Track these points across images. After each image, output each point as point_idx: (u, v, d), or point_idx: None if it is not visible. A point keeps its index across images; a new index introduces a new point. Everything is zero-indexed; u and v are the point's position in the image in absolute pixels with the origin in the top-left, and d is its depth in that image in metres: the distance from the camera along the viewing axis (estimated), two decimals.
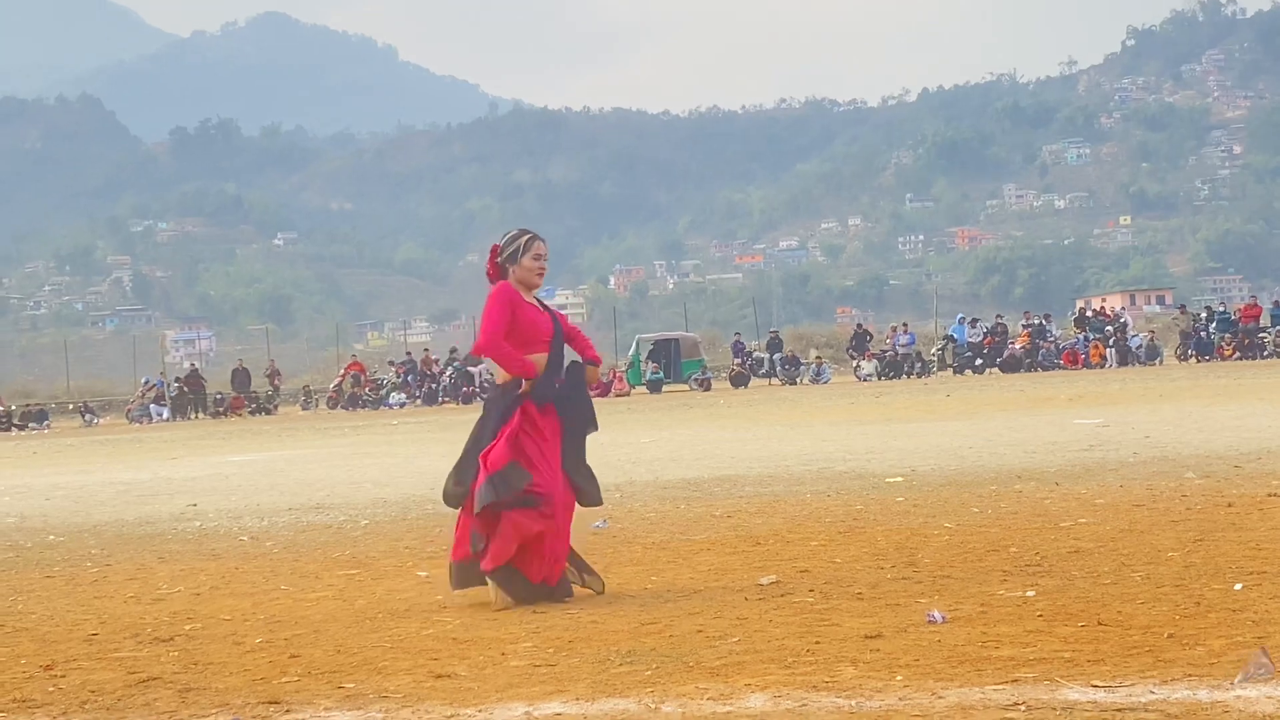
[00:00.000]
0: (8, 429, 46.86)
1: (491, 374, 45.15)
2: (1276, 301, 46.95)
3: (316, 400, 50.08)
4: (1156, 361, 43.80)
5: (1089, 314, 49.67)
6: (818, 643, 5.45)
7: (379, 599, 7.24)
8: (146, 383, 50.73)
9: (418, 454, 19.52)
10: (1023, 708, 4.34)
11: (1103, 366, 43.03)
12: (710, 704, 4.61)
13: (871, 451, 15.29)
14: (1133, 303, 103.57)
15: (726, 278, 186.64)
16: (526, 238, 7.08)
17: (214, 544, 10.26)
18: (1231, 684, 4.47)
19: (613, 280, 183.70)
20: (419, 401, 46.62)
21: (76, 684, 5.48)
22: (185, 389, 49.60)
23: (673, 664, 5.22)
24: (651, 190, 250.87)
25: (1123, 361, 43.48)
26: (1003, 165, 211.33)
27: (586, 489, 6.99)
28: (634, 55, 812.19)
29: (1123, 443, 14.36)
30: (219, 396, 49.81)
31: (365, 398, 46.94)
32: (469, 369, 47.12)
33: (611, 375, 44.24)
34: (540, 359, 6.93)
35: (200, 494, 14.67)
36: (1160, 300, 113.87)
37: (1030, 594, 6.26)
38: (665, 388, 45.05)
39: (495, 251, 7.07)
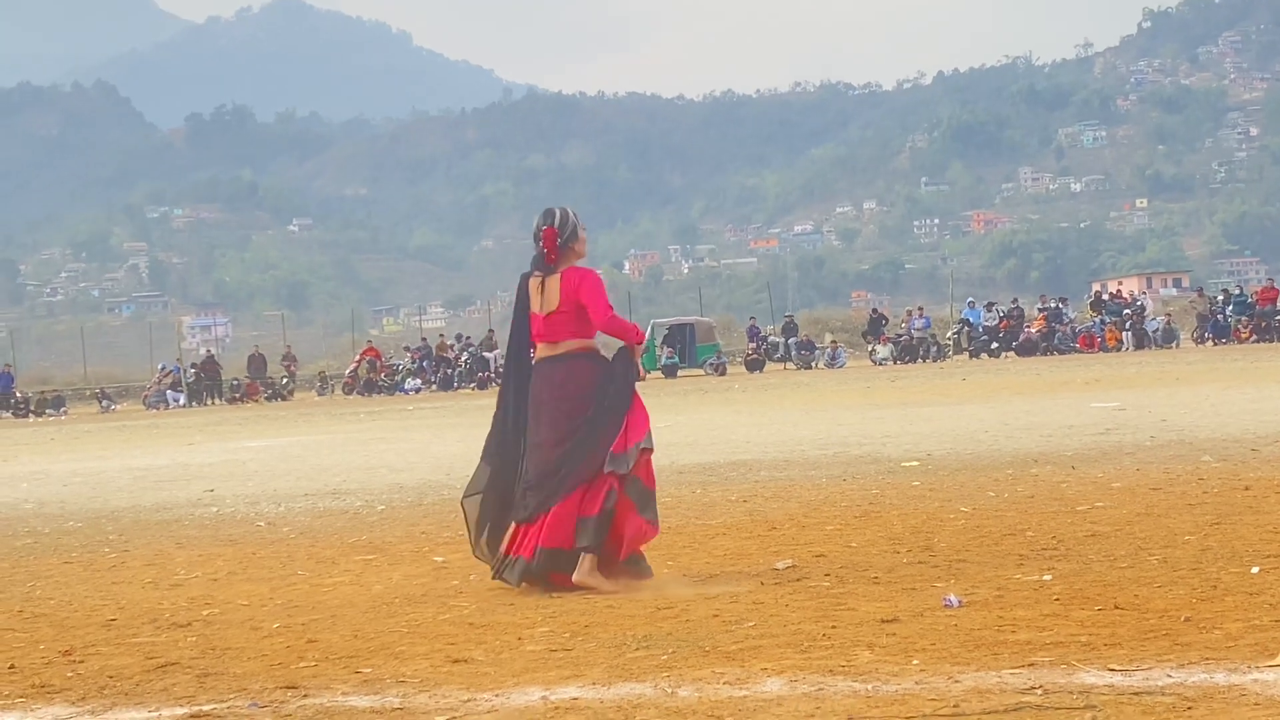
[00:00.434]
0: (25, 415, 46.96)
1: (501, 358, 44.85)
2: None
3: (332, 386, 50.12)
4: (1173, 344, 43.67)
5: (1105, 297, 49.53)
6: (834, 627, 5.45)
7: (395, 584, 7.26)
8: (163, 369, 50.80)
9: (433, 440, 19.55)
10: (1039, 691, 4.34)
11: (1119, 350, 42.93)
12: (726, 688, 4.61)
13: (887, 436, 15.28)
14: (1149, 286, 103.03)
15: (741, 262, 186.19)
16: (574, 214, 7.11)
17: (231, 529, 10.29)
18: (1249, 667, 4.46)
19: (627, 265, 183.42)
20: (434, 387, 46.66)
21: (95, 669, 5.50)
22: (202, 375, 49.68)
23: (689, 648, 5.22)
24: (666, 175, 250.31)
25: (1139, 345, 43.36)
26: (1018, 148, 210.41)
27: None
28: (648, 39, 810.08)
29: (1139, 426, 14.33)
30: (235, 382, 49.87)
31: (381, 383, 46.97)
32: (484, 354, 47.19)
33: None
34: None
35: (217, 480, 14.70)
36: (1177, 283, 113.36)
37: (1047, 578, 6.26)
38: (680, 372, 45.00)
39: (553, 234, 6.99)
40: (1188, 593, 5.75)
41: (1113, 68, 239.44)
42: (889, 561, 7.01)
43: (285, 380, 49.90)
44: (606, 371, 7.01)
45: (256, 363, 50.99)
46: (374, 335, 76.69)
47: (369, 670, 5.20)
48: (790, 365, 45.94)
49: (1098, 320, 45.54)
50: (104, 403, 50.11)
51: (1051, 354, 43.20)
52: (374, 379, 47.17)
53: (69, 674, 5.44)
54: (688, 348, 46.20)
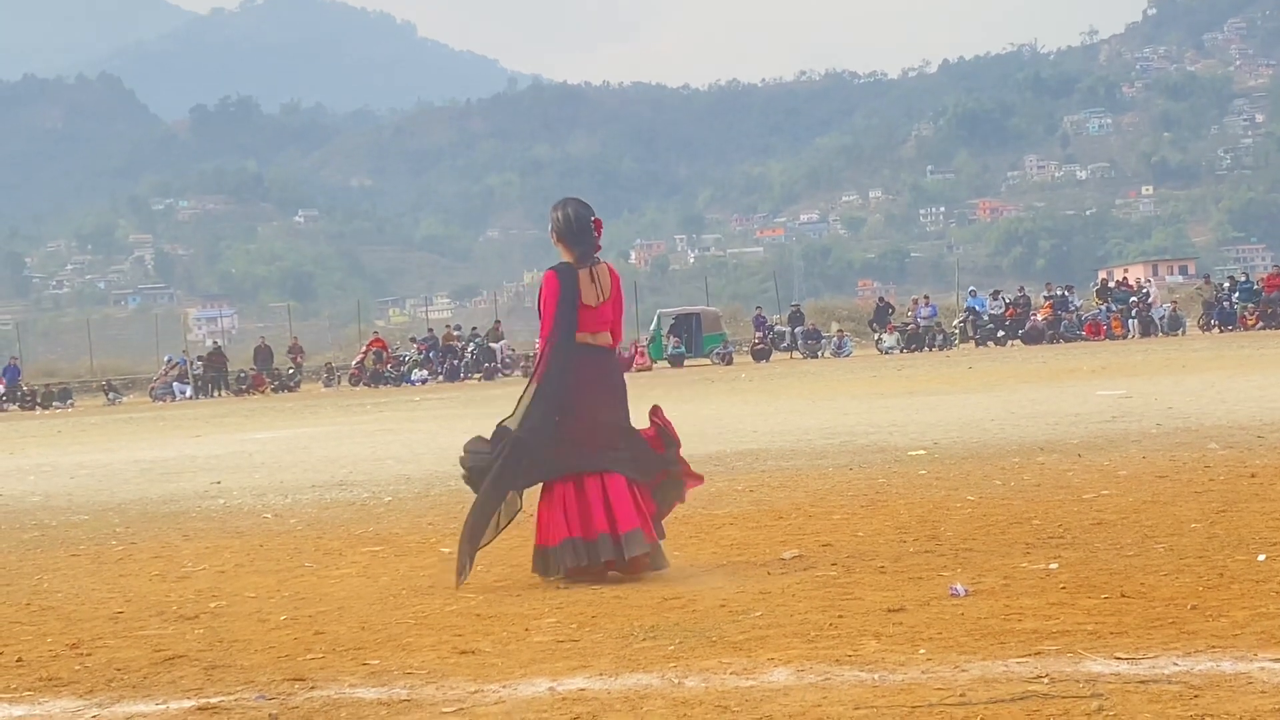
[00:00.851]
0: (32, 408, 47.05)
1: (513, 350, 45.10)
2: None
3: (339, 377, 50.15)
4: (1179, 332, 43.64)
5: (1111, 285, 49.49)
6: (840, 616, 5.46)
7: (403, 576, 7.26)
8: (169, 361, 50.84)
9: (440, 430, 19.54)
10: (1046, 680, 4.34)
11: (1125, 337, 42.90)
12: (733, 678, 4.62)
13: (894, 425, 15.27)
14: (1155, 273, 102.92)
15: (747, 252, 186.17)
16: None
17: (238, 522, 10.30)
18: (1255, 655, 4.46)
19: (633, 255, 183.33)
20: (441, 378, 46.69)
21: (103, 662, 5.51)
22: (208, 367, 49.72)
23: (696, 639, 5.23)
24: (672, 164, 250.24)
25: (1145, 332, 43.34)
26: (1024, 136, 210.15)
27: None
28: (653, 29, 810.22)
29: (1145, 414, 14.32)
30: (241, 374, 49.90)
31: (387, 374, 47.01)
32: (490, 345, 47.22)
33: (633, 350, 44.22)
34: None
35: (224, 472, 14.72)
36: (1183, 270, 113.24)
37: (1053, 566, 6.26)
38: (687, 362, 45.04)
39: (601, 225, 7.14)
40: (1194, 581, 5.75)
41: (1118, 55, 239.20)
42: (895, 551, 7.01)
43: (291, 372, 49.93)
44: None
45: (263, 354, 51.01)
46: (380, 326, 76.85)
47: (376, 662, 5.21)
48: (796, 354, 45.96)
49: (1104, 308, 45.50)
50: (110, 395, 50.15)
51: (1058, 342, 43.19)
52: (380, 370, 47.21)
53: (76, 667, 5.45)
54: (694, 337, 46.23)
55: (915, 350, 44.07)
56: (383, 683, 4.89)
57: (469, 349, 47.62)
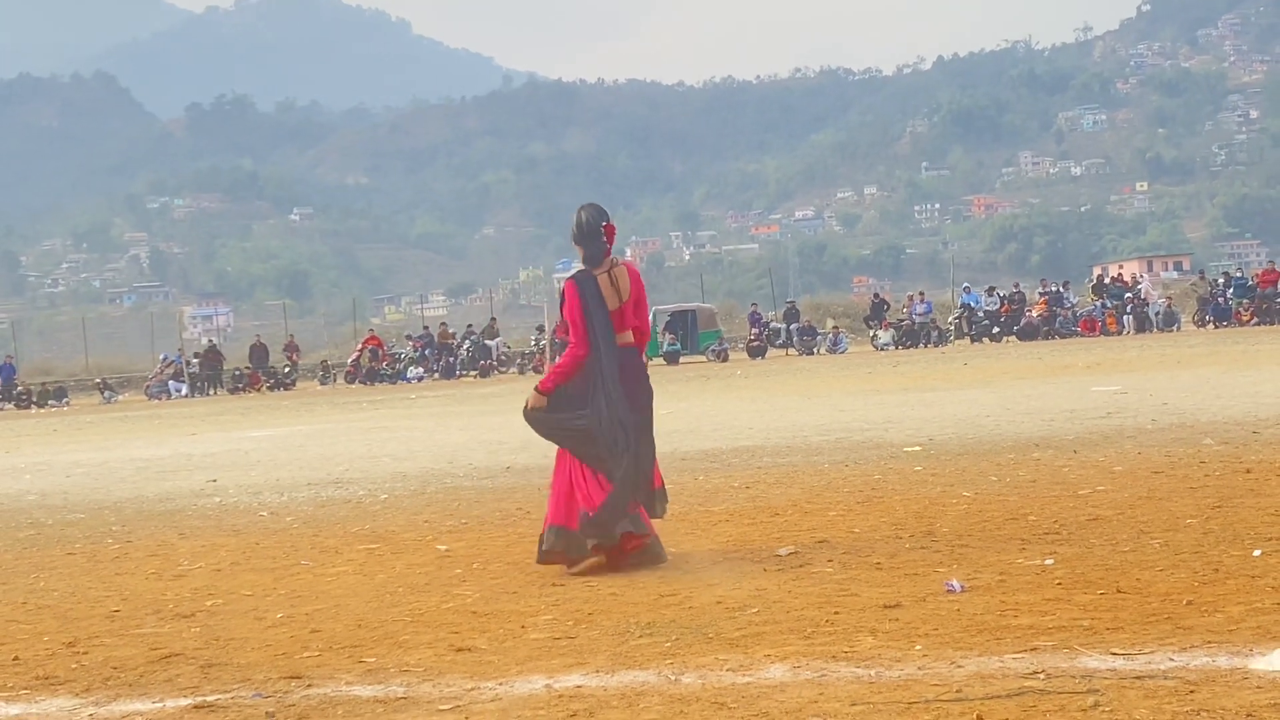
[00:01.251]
0: (27, 406, 47.01)
1: (509, 347, 45.12)
2: None
3: (334, 375, 50.12)
4: (1174, 328, 43.67)
5: (1106, 281, 49.51)
6: (837, 613, 5.46)
7: (399, 573, 7.26)
8: (165, 359, 50.80)
9: (436, 428, 19.55)
10: (1042, 676, 4.34)
11: (1120, 333, 42.93)
12: (730, 675, 4.62)
13: (889, 421, 15.28)
14: (1150, 269, 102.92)
15: (743, 248, 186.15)
16: None
17: (234, 520, 10.30)
18: (1250, 650, 4.47)
19: (629, 252, 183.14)
20: (437, 375, 46.69)
21: (99, 660, 5.51)
22: (203, 365, 49.68)
23: (692, 635, 5.23)
24: (667, 161, 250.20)
25: (1140, 328, 43.37)
26: (1018, 132, 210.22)
27: None
28: (648, 26, 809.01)
29: (1141, 410, 14.33)
30: (237, 372, 49.86)
31: (383, 372, 46.99)
32: (486, 342, 47.21)
33: None
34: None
35: (220, 470, 14.72)
36: (1178, 266, 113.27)
37: (1049, 562, 6.26)
38: (682, 359, 45.00)
39: (613, 229, 7.22)
40: (1189, 576, 5.75)
41: (1112, 51, 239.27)
42: (891, 547, 7.02)
43: (287, 369, 49.89)
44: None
45: (258, 352, 50.96)
46: (376, 324, 76.83)
47: (373, 659, 5.21)
48: (792, 351, 45.94)
49: (1099, 304, 45.53)
50: (106, 393, 50.11)
51: (1053, 338, 43.21)
52: (376, 368, 47.18)
53: (73, 665, 5.45)
54: (690, 334, 46.20)
55: (910, 347, 44.08)
56: (379, 680, 4.89)
57: (465, 346, 47.62)
